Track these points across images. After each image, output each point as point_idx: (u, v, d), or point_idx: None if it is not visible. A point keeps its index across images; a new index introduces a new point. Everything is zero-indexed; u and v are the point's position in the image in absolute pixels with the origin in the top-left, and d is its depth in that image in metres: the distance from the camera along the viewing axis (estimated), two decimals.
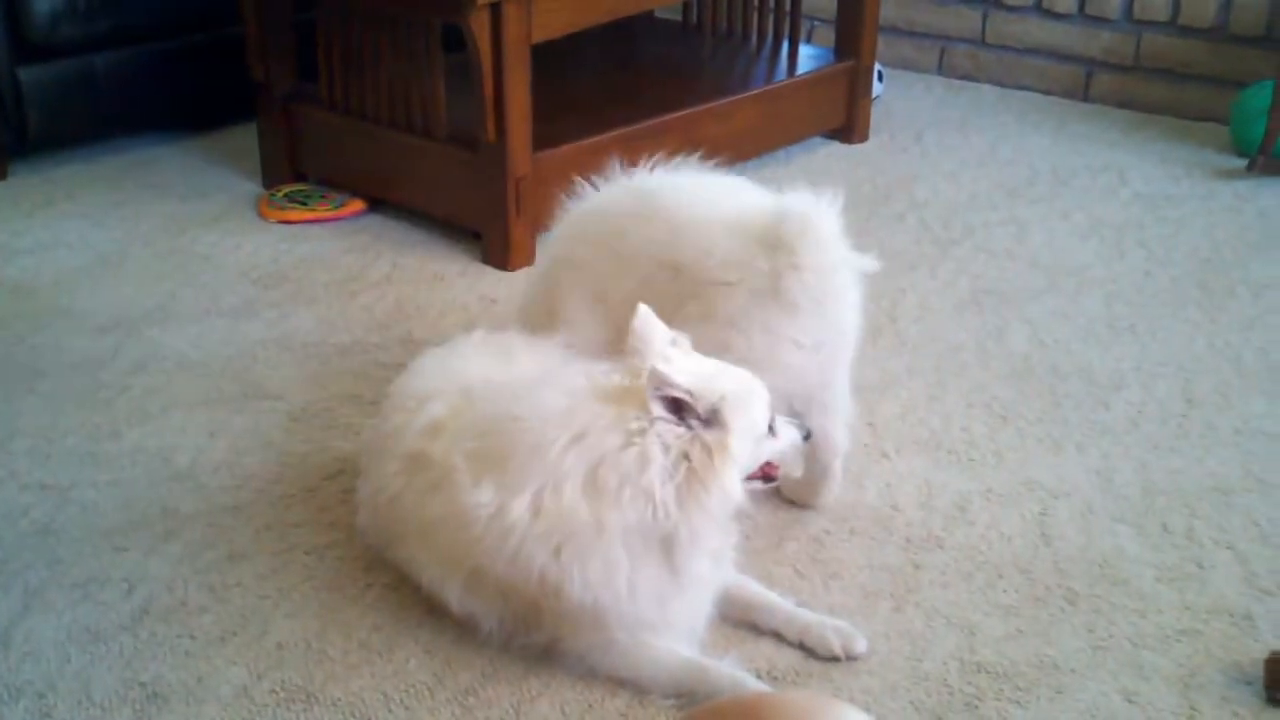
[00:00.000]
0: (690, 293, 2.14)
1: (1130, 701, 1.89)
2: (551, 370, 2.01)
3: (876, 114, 4.23)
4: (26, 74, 3.72)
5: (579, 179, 2.41)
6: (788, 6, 4.17)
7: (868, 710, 1.55)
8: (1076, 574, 2.16)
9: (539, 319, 2.38)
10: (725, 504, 1.83)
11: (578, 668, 1.92)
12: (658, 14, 4.51)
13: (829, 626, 1.98)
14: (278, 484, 2.40)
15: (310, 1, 3.53)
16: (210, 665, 1.96)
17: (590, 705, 1.88)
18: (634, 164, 2.40)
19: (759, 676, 1.91)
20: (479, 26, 3.02)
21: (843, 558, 2.20)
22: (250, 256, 3.36)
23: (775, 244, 2.05)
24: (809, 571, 2.17)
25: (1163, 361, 2.83)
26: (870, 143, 4.13)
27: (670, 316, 2.13)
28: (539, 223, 2.54)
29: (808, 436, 2.04)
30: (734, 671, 1.88)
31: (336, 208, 3.59)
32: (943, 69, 4.83)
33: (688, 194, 2.26)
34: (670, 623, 1.90)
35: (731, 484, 1.81)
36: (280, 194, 3.66)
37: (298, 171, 3.74)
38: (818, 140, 4.10)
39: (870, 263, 2.16)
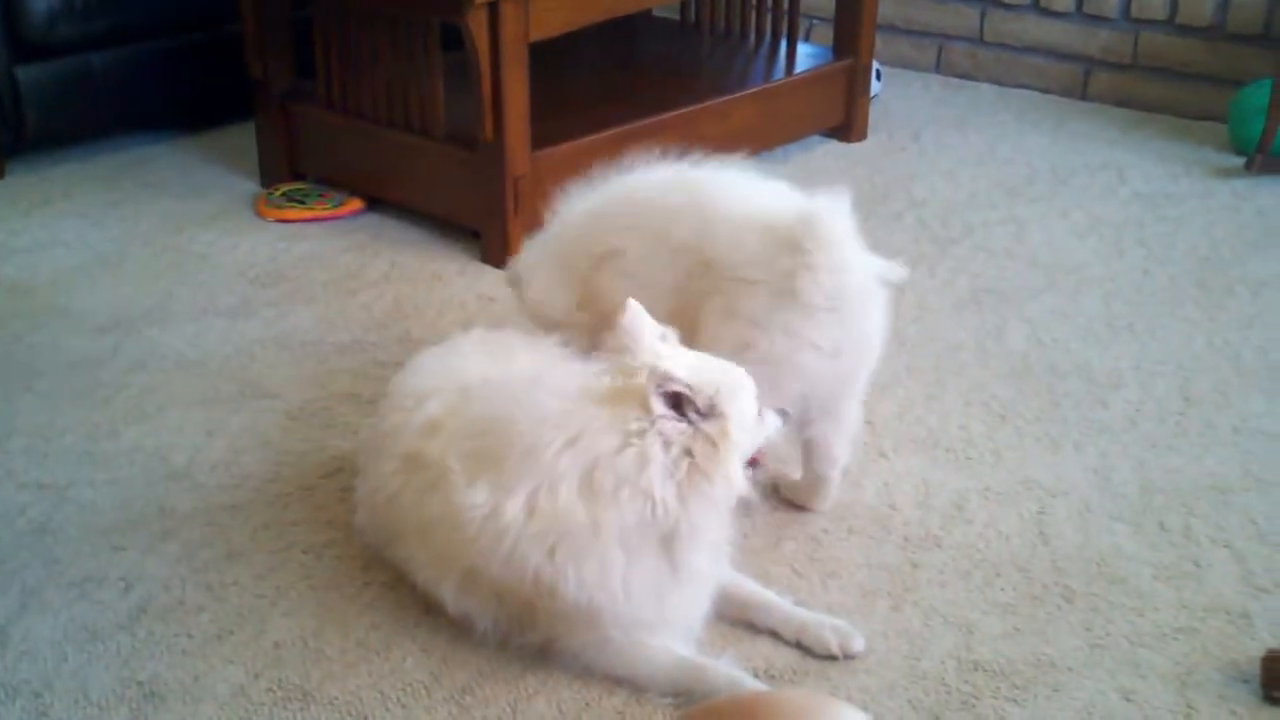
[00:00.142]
0: (716, 288, 2.15)
1: (1127, 700, 1.89)
2: (544, 371, 2.00)
3: (875, 113, 4.23)
4: (24, 73, 3.72)
5: (591, 169, 2.42)
6: (786, 5, 4.17)
7: (865, 709, 1.55)
8: (1074, 572, 2.16)
9: (560, 309, 2.39)
10: (730, 494, 1.84)
11: (574, 666, 1.92)
12: (656, 12, 4.50)
13: (826, 625, 1.98)
14: (275, 483, 2.40)
15: (308, 0, 3.53)
16: (207, 664, 1.96)
17: (587, 704, 1.88)
18: (631, 163, 2.40)
19: (756, 675, 1.91)
20: (477, 25, 3.02)
21: (840, 556, 2.20)
22: (248, 255, 3.36)
23: (791, 244, 2.05)
24: (807, 570, 2.17)
25: (1161, 360, 2.83)
26: (868, 141, 4.13)
27: (698, 309, 2.16)
28: (537, 222, 2.54)
29: (785, 418, 2.04)
30: (731, 670, 1.88)
31: (334, 207, 3.58)
32: (941, 68, 4.83)
33: (725, 189, 2.26)
34: (667, 620, 1.90)
35: (735, 473, 1.83)
36: (278, 193, 3.66)
37: (296, 170, 3.74)
38: (816, 139, 4.10)
39: (895, 270, 2.16)
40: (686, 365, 1.84)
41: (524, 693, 1.90)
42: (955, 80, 4.77)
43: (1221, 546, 2.22)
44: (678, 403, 1.79)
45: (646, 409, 1.80)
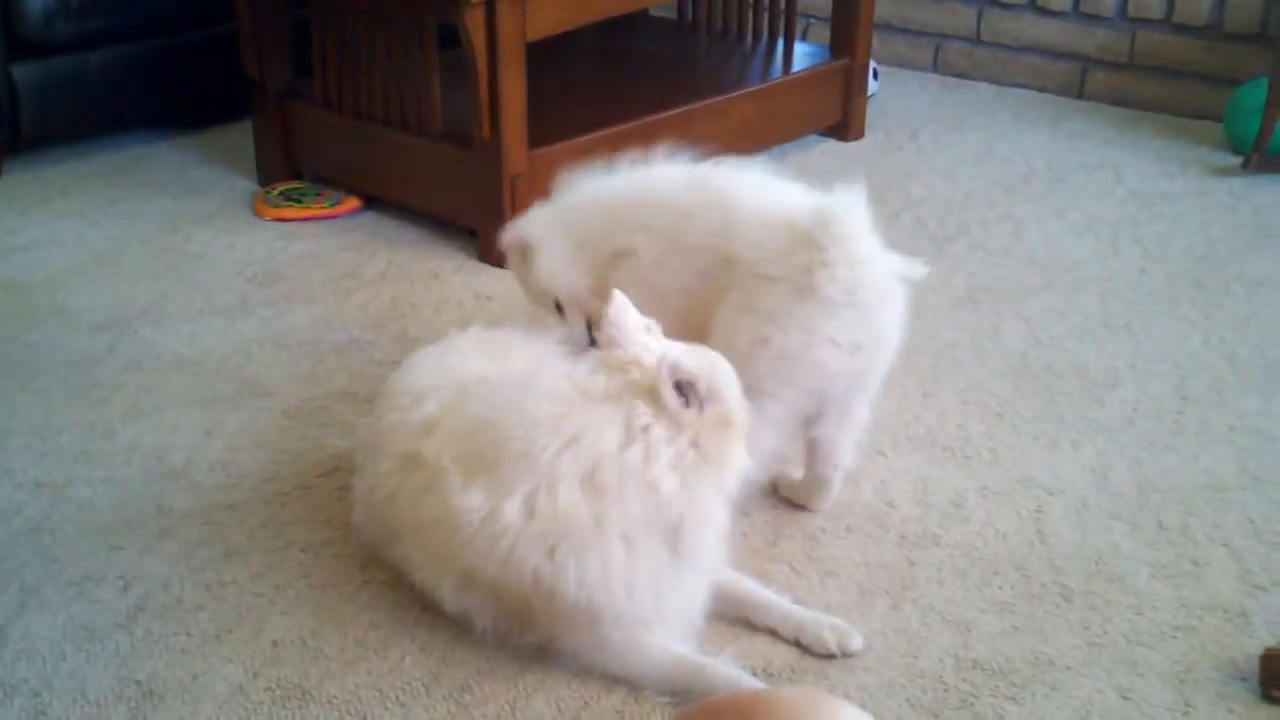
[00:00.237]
0: (734, 284, 2.14)
1: (1125, 698, 1.89)
2: (536, 373, 1.98)
3: (872, 111, 4.24)
4: (21, 71, 3.72)
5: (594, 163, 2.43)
6: (783, 4, 4.17)
7: (863, 707, 1.55)
8: (1072, 571, 2.16)
9: (566, 286, 2.40)
10: (738, 476, 1.87)
11: (573, 665, 1.92)
12: (653, 11, 4.51)
13: (825, 624, 1.98)
14: (273, 482, 2.40)
15: None
16: (206, 663, 1.96)
17: (586, 702, 1.88)
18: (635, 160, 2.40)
19: (754, 674, 1.91)
20: (474, 24, 3.02)
21: (839, 555, 2.20)
22: (245, 254, 3.36)
23: (808, 240, 2.06)
24: (805, 569, 2.17)
25: (1158, 359, 2.83)
26: (866, 140, 4.13)
27: (716, 304, 2.15)
28: None
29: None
30: (729, 669, 1.88)
31: (332, 205, 3.58)
32: (938, 67, 4.83)
33: (741, 186, 2.26)
34: (666, 617, 1.90)
35: (741, 455, 1.86)
36: (275, 191, 3.66)
37: (293, 169, 3.74)
38: (813, 138, 4.10)
39: (914, 267, 2.16)
40: (683, 354, 1.84)
41: (523, 691, 1.90)
42: (952, 79, 4.77)
43: (1219, 545, 2.22)
44: (683, 392, 1.81)
45: (653, 401, 1.81)
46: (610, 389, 1.84)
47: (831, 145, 4.09)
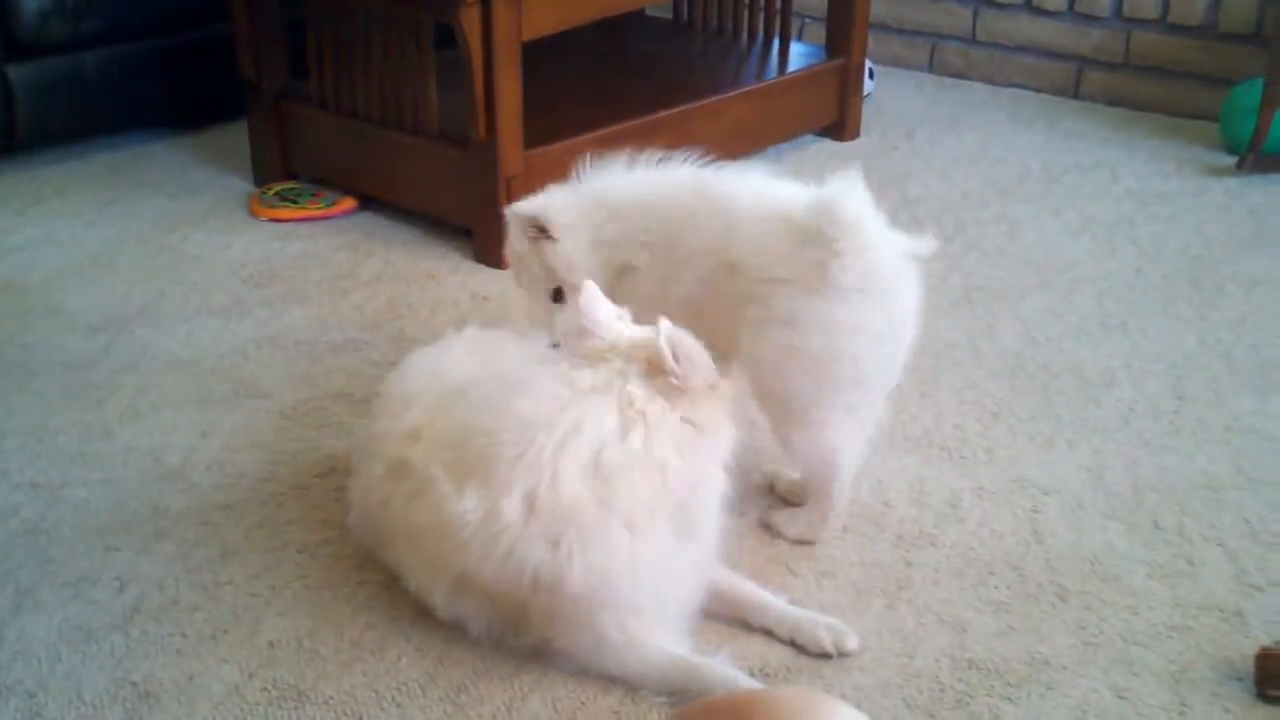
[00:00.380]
0: (748, 294, 2.12)
1: (1121, 698, 1.89)
2: (519, 375, 1.97)
3: (868, 111, 4.24)
4: (16, 72, 3.72)
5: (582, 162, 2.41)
6: (778, 4, 4.17)
7: (859, 707, 1.55)
8: (1068, 571, 2.16)
9: (581, 273, 2.35)
10: (732, 441, 1.90)
11: (569, 666, 1.92)
12: (648, 12, 4.51)
13: (820, 623, 1.99)
14: (269, 482, 2.40)
15: None
16: (202, 664, 1.96)
17: (583, 703, 1.88)
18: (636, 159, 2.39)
19: (751, 674, 1.91)
20: (469, 24, 3.02)
21: (834, 555, 2.20)
22: (241, 255, 3.36)
23: (813, 235, 2.04)
24: (800, 569, 2.17)
25: (1154, 358, 2.83)
26: (861, 140, 4.13)
27: (729, 318, 2.14)
28: None
29: None
30: (726, 668, 1.88)
31: (328, 206, 3.58)
32: (934, 66, 4.84)
33: (736, 188, 2.23)
34: (668, 604, 1.90)
35: (730, 421, 1.90)
36: (271, 192, 3.66)
37: (289, 169, 3.73)
38: (809, 138, 4.11)
39: (923, 243, 2.14)
40: (667, 329, 1.86)
41: (519, 691, 1.90)
42: (948, 79, 4.78)
43: (1214, 545, 2.23)
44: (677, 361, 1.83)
45: (643, 385, 1.83)
46: (598, 381, 1.85)
47: (827, 145, 4.09)
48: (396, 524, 2.02)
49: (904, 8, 4.81)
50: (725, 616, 2.03)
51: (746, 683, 1.86)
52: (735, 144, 3.67)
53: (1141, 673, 1.94)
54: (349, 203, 3.59)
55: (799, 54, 4.15)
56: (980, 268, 3.27)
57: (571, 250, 2.31)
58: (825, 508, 2.20)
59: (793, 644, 1.98)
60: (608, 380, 1.84)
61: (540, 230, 2.32)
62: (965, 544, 2.23)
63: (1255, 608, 2.07)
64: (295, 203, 3.60)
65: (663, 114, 3.55)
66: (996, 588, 2.12)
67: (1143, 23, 4.35)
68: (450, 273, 3.25)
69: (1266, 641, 1.97)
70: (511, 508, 1.80)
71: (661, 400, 1.84)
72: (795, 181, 2.27)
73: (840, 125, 4.11)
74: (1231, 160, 3.92)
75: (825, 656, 1.96)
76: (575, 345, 1.90)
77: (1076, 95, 4.55)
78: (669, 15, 4.45)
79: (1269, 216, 3.58)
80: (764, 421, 2.26)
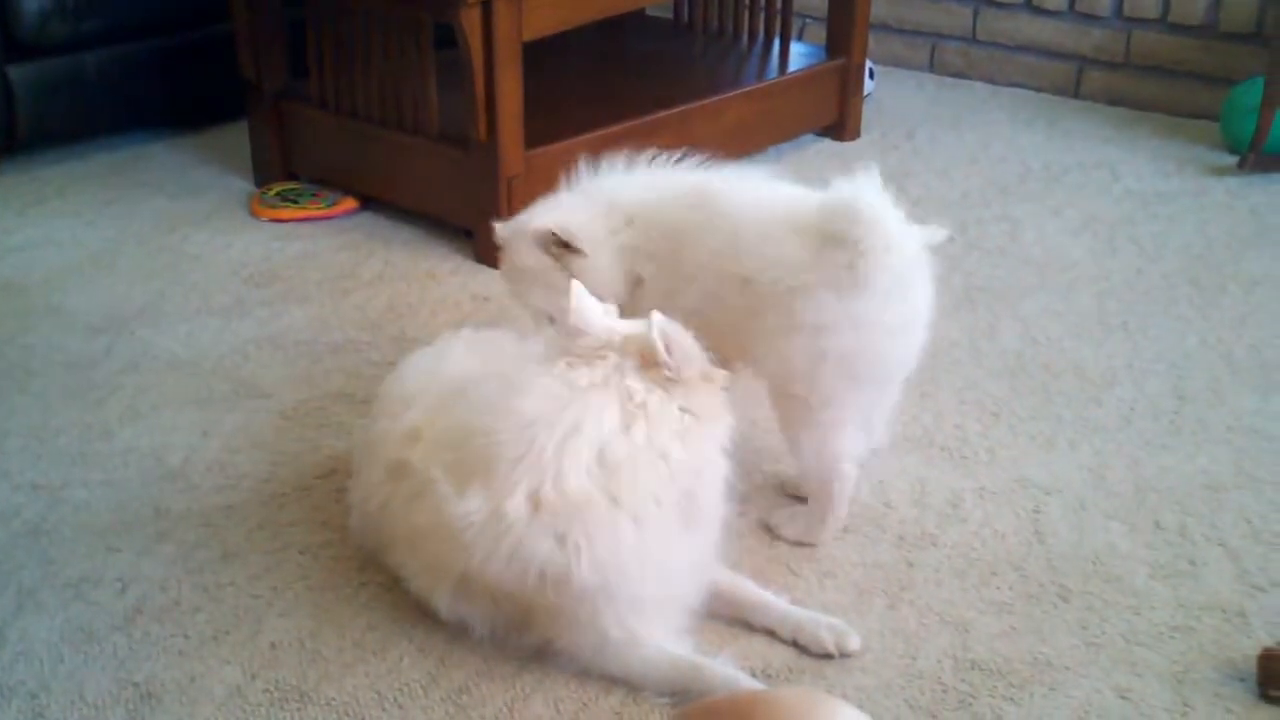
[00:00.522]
0: (763, 305, 2.10)
1: (1123, 698, 1.89)
2: (517, 376, 1.95)
3: (868, 111, 4.24)
4: (16, 72, 3.72)
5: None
6: (779, 4, 4.17)
7: (862, 707, 1.55)
8: (1069, 571, 2.16)
9: (612, 292, 2.31)
10: (731, 428, 1.92)
11: (571, 666, 1.92)
12: (649, 12, 4.51)
13: (822, 624, 1.98)
14: (270, 483, 2.40)
15: None
16: (204, 665, 1.96)
17: (584, 704, 1.88)
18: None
19: (752, 674, 1.91)
20: (470, 24, 3.02)
21: (836, 555, 2.20)
22: (242, 255, 3.36)
23: (838, 236, 2.02)
24: (802, 569, 2.17)
25: (1155, 358, 2.83)
26: (862, 140, 4.13)
27: (740, 330, 2.13)
28: None
29: None
30: (727, 669, 1.88)
31: (328, 206, 3.58)
32: (934, 66, 4.84)
33: (741, 199, 2.21)
34: (671, 596, 1.91)
35: (728, 409, 1.92)
36: (272, 192, 3.66)
37: (289, 170, 3.73)
38: (809, 138, 4.11)
39: (936, 233, 2.15)
40: (659, 320, 1.86)
41: (521, 692, 1.90)
42: (948, 79, 4.78)
43: (1216, 545, 2.23)
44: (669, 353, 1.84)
45: (640, 379, 1.84)
46: (596, 378, 1.85)
47: (827, 145, 4.09)
48: (397, 526, 2.02)
49: (904, 8, 4.81)
50: (727, 617, 2.03)
51: (748, 683, 1.86)
52: (735, 144, 3.67)
53: (1144, 673, 1.94)
54: (349, 203, 3.59)
55: (799, 54, 4.15)
56: (981, 267, 3.27)
57: (606, 266, 2.27)
58: (826, 509, 2.20)
59: (795, 644, 1.98)
60: (605, 377, 1.85)
61: (563, 245, 2.27)
62: (967, 544, 2.23)
63: (1257, 608, 2.07)
64: (296, 203, 3.60)
65: (663, 114, 3.55)
66: (998, 588, 2.12)
67: (1143, 22, 4.35)
68: (451, 273, 3.25)
69: (1269, 642, 1.97)
70: (516, 507, 1.80)
71: (660, 392, 1.85)
72: (797, 185, 2.26)
73: (841, 125, 4.11)
74: (1232, 160, 3.92)
75: (827, 657, 1.96)
76: (570, 344, 1.90)
77: (1077, 95, 4.55)
78: (669, 15, 4.45)
79: (1270, 216, 3.58)
80: (764, 421, 2.26)
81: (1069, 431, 2.56)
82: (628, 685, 1.90)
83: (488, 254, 3.24)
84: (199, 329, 2.97)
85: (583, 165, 2.39)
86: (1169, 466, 2.45)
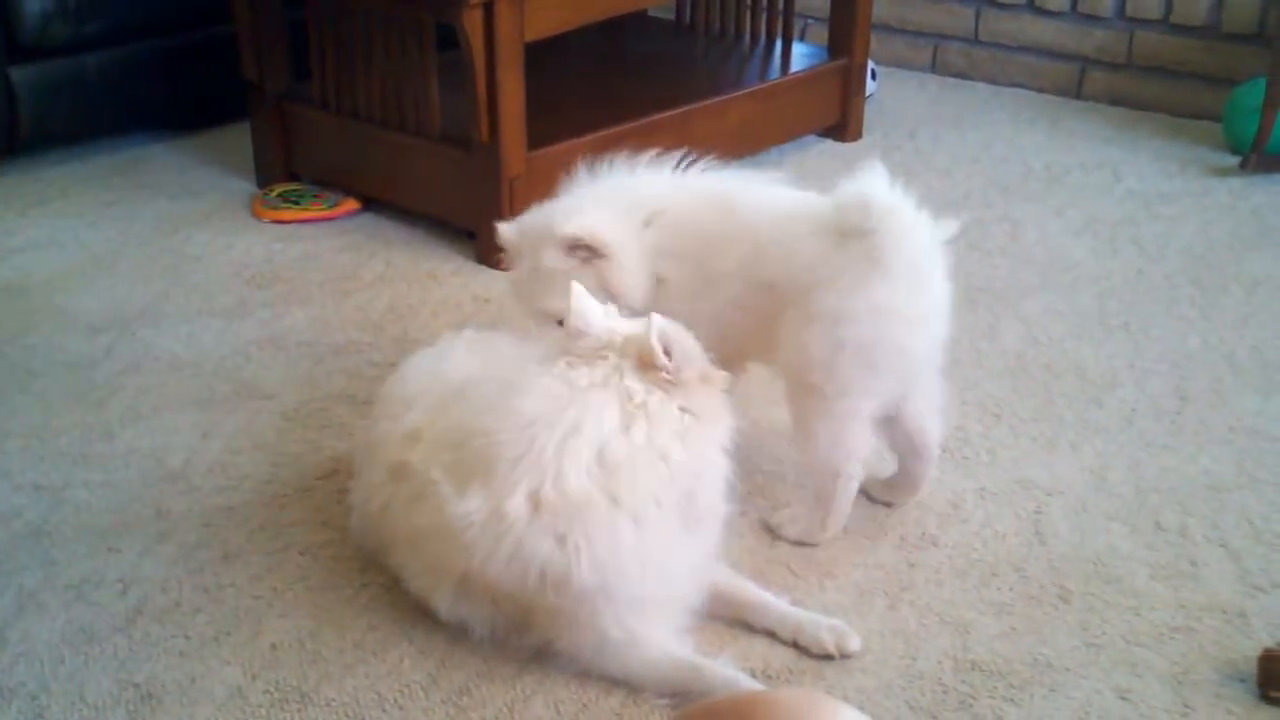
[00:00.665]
0: (788, 301, 2.12)
1: (1124, 699, 1.89)
2: (517, 376, 1.95)
3: (870, 112, 4.24)
4: (18, 74, 3.72)
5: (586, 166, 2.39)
6: (781, 5, 4.17)
7: (862, 708, 1.55)
8: (1070, 572, 2.16)
9: (643, 298, 2.29)
10: (731, 429, 1.91)
11: (571, 667, 1.92)
12: (651, 12, 4.51)
13: (823, 625, 1.98)
14: (271, 484, 2.40)
15: (302, 0, 3.53)
16: (204, 665, 1.96)
17: (585, 705, 1.88)
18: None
19: (753, 675, 1.91)
20: (472, 25, 3.02)
21: (837, 556, 2.20)
22: (243, 256, 3.36)
23: (855, 230, 2.05)
24: (803, 570, 2.17)
25: (1156, 359, 2.83)
26: (864, 141, 4.13)
27: (764, 330, 2.14)
28: None
29: None
30: (728, 670, 1.88)
31: (330, 207, 3.58)
32: (936, 67, 4.83)
33: (759, 202, 2.23)
34: (672, 596, 1.91)
35: (728, 410, 1.91)
36: (274, 193, 3.66)
37: (291, 171, 3.73)
38: (811, 139, 4.10)
39: (948, 225, 2.17)
40: (658, 321, 1.87)
41: (521, 694, 1.90)
42: (950, 79, 4.77)
43: (1217, 545, 2.22)
44: (667, 354, 1.84)
45: (640, 379, 1.84)
46: (596, 378, 1.85)
47: (830, 146, 4.09)
48: (398, 527, 2.02)
49: (906, 8, 4.81)
50: (727, 618, 2.03)
51: (748, 684, 1.86)
52: (737, 145, 3.67)
53: (1144, 674, 1.94)
54: (351, 204, 3.60)
55: (801, 55, 4.15)
56: (982, 268, 3.27)
57: (633, 269, 2.25)
58: (829, 509, 2.20)
59: (795, 645, 1.98)
60: (605, 377, 1.85)
61: (589, 249, 2.23)
62: (968, 545, 2.23)
63: (1258, 609, 2.07)
64: (297, 204, 3.60)
65: (665, 115, 3.55)
66: (999, 589, 2.12)
67: (1145, 23, 4.35)
68: (452, 274, 3.25)
69: (1270, 643, 1.97)
70: (516, 508, 1.80)
71: (659, 393, 1.85)
72: (804, 189, 2.27)
73: (843, 126, 4.11)
74: (1234, 160, 3.92)
75: (827, 658, 1.96)
76: (570, 344, 1.90)
77: (1079, 95, 4.55)
78: (671, 16, 4.44)
79: (1272, 217, 3.58)
80: (765, 421, 2.26)
81: (1070, 432, 2.56)
82: (628, 686, 1.90)
83: (489, 255, 3.24)
84: (200, 330, 2.97)
85: (588, 165, 2.38)
86: (1170, 467, 2.45)
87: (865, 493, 2.31)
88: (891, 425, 2.24)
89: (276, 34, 3.61)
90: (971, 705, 1.88)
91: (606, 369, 1.86)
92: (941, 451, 2.45)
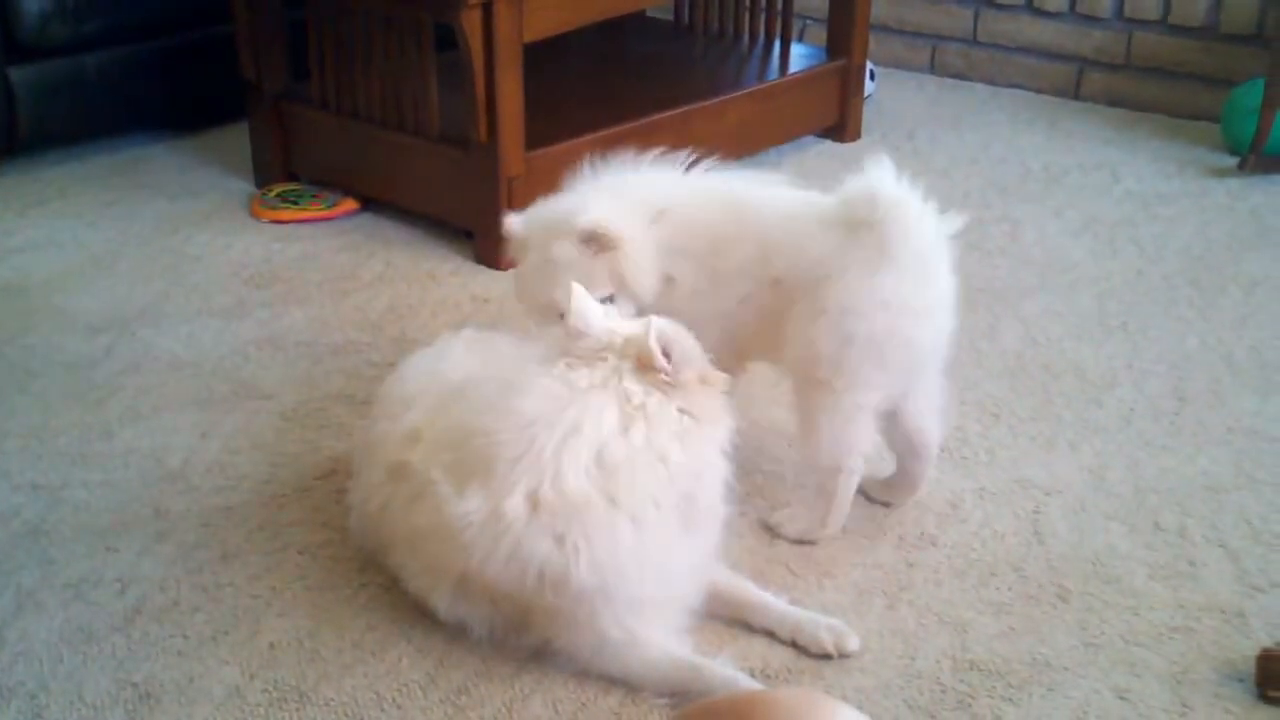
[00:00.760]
0: (796, 297, 2.12)
1: (1122, 699, 1.89)
2: (516, 376, 1.95)
3: (868, 113, 4.24)
4: (17, 74, 3.72)
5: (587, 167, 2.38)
6: (779, 5, 4.17)
7: (861, 708, 1.55)
8: (1069, 572, 2.16)
9: (651, 293, 2.28)
10: (730, 430, 1.91)
11: (570, 667, 1.92)
12: (649, 13, 4.51)
13: (821, 624, 1.98)
14: (270, 484, 2.40)
15: (301, 0, 3.53)
16: (203, 665, 1.96)
17: (583, 704, 1.88)
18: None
19: (752, 674, 1.91)
20: (471, 25, 3.02)
21: (835, 556, 2.20)
22: (242, 256, 3.36)
23: (859, 223, 2.06)
24: (802, 570, 2.17)
25: (1155, 359, 2.83)
26: (862, 141, 4.13)
27: (773, 327, 2.14)
28: None
29: None
30: (727, 669, 1.88)
31: (329, 207, 3.58)
32: (934, 67, 4.84)
33: (765, 202, 2.24)
34: (670, 597, 1.91)
35: (727, 411, 1.91)
36: (272, 193, 3.66)
37: (290, 171, 3.73)
38: (810, 139, 4.10)
39: (952, 219, 2.17)
40: (658, 323, 1.87)
41: (520, 693, 1.90)
42: (949, 80, 4.78)
43: (1216, 545, 2.23)
44: (666, 356, 1.84)
45: (639, 380, 1.84)
46: (595, 379, 1.85)
47: (828, 146, 4.09)
48: (397, 527, 2.01)
49: (905, 9, 4.81)
50: (726, 617, 2.03)
51: (747, 684, 1.86)
52: (736, 145, 3.67)
53: (1143, 674, 1.94)
54: (350, 204, 3.60)
55: (800, 55, 4.15)
56: (981, 268, 3.27)
57: (646, 263, 2.23)
58: (829, 506, 2.20)
59: (794, 645, 1.98)
60: (604, 378, 1.85)
61: (603, 242, 2.20)
62: (966, 545, 2.23)
63: (1257, 608, 2.07)
64: (296, 204, 3.60)
65: (664, 115, 3.55)
66: (998, 589, 2.12)
67: (1144, 23, 4.35)
68: (451, 274, 3.25)
69: (1268, 642, 1.97)
70: (514, 508, 1.80)
71: (659, 394, 1.85)
72: (804, 188, 2.27)
73: (841, 126, 4.11)
74: (1233, 161, 3.92)
75: (826, 657, 1.96)
76: (570, 345, 1.90)
77: (1077, 96, 4.55)
78: (670, 17, 4.45)
79: (1270, 217, 3.58)
80: (764, 422, 2.26)
81: (1069, 432, 2.56)
82: (627, 686, 1.90)
83: (488, 255, 3.24)
84: (199, 330, 2.97)
85: (591, 162, 2.38)
86: (1169, 467, 2.45)
87: (864, 492, 2.32)
88: (891, 425, 2.24)
89: (275, 34, 3.62)
90: (970, 705, 1.88)
91: (606, 370, 1.86)
92: (940, 451, 2.45)
